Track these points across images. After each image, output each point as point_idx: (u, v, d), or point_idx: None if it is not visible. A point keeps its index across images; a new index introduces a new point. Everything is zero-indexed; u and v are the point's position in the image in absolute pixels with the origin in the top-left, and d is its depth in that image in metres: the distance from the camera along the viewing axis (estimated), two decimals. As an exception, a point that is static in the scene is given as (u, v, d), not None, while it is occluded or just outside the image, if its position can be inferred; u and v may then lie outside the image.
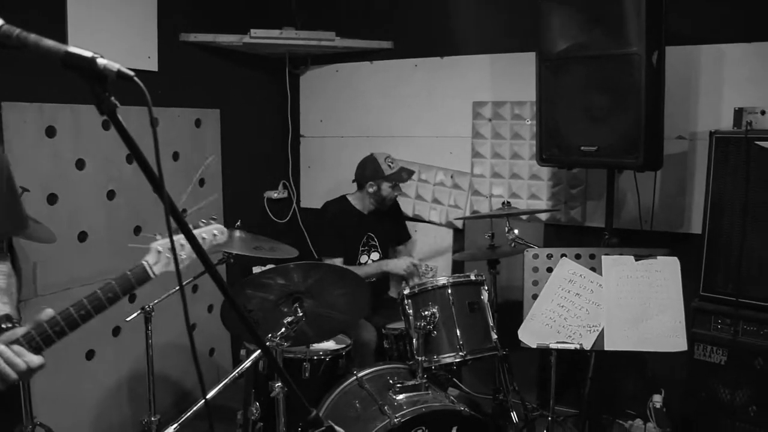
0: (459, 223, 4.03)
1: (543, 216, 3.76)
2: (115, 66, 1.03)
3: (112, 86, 1.04)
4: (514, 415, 3.18)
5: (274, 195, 4.47)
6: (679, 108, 3.28)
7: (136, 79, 1.04)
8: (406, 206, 4.13)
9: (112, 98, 1.05)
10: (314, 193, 4.52)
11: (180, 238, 1.68)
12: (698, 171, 3.26)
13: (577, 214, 3.65)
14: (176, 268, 1.21)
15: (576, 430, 3.40)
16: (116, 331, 3.39)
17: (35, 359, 1.40)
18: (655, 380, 3.44)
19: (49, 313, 1.45)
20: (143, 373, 3.33)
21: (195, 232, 1.77)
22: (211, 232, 1.85)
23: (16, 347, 1.38)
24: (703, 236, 2.89)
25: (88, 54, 1.03)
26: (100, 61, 1.02)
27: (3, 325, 1.49)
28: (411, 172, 3.70)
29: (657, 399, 3.31)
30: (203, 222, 1.87)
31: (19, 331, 1.43)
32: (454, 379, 3.97)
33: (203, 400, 1.49)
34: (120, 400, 3.47)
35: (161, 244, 1.70)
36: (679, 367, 2.99)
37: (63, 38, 3.06)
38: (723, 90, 3.22)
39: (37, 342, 1.42)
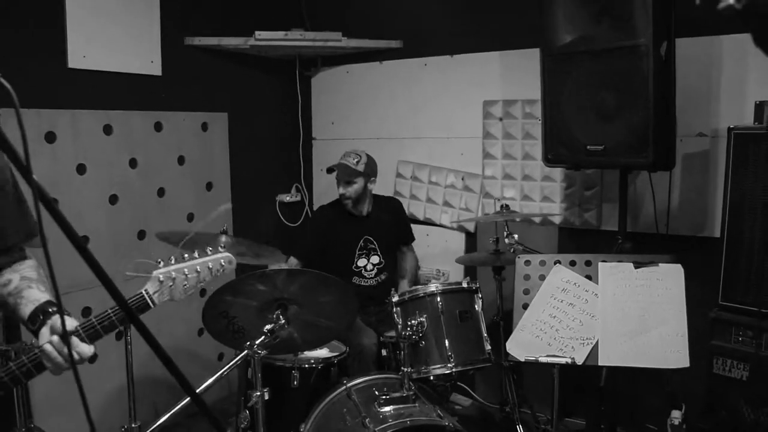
0: (471, 227, 3.89)
1: (557, 219, 3.57)
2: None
3: None
4: (519, 428, 3.04)
5: (287, 198, 4.42)
6: (699, 104, 3.06)
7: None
8: (417, 209, 4.01)
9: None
10: (327, 196, 4.43)
11: (186, 267, 1.64)
12: (720, 170, 3.02)
13: (592, 217, 3.45)
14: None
15: (588, 445, 3.22)
16: (119, 334, 3.39)
17: (86, 349, 1.51)
18: (675, 394, 3.22)
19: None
20: (148, 378, 3.32)
21: (201, 260, 1.68)
22: (218, 262, 1.70)
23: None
24: (722, 240, 2.67)
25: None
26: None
27: (50, 309, 1.58)
28: (335, 169, 3.46)
29: (676, 415, 3.10)
30: (210, 250, 1.72)
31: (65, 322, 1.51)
32: (467, 388, 3.86)
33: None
34: (123, 405, 3.46)
35: (163, 272, 1.62)
36: (699, 381, 2.78)
37: (62, 44, 3.08)
38: (748, 83, 2.98)
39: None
